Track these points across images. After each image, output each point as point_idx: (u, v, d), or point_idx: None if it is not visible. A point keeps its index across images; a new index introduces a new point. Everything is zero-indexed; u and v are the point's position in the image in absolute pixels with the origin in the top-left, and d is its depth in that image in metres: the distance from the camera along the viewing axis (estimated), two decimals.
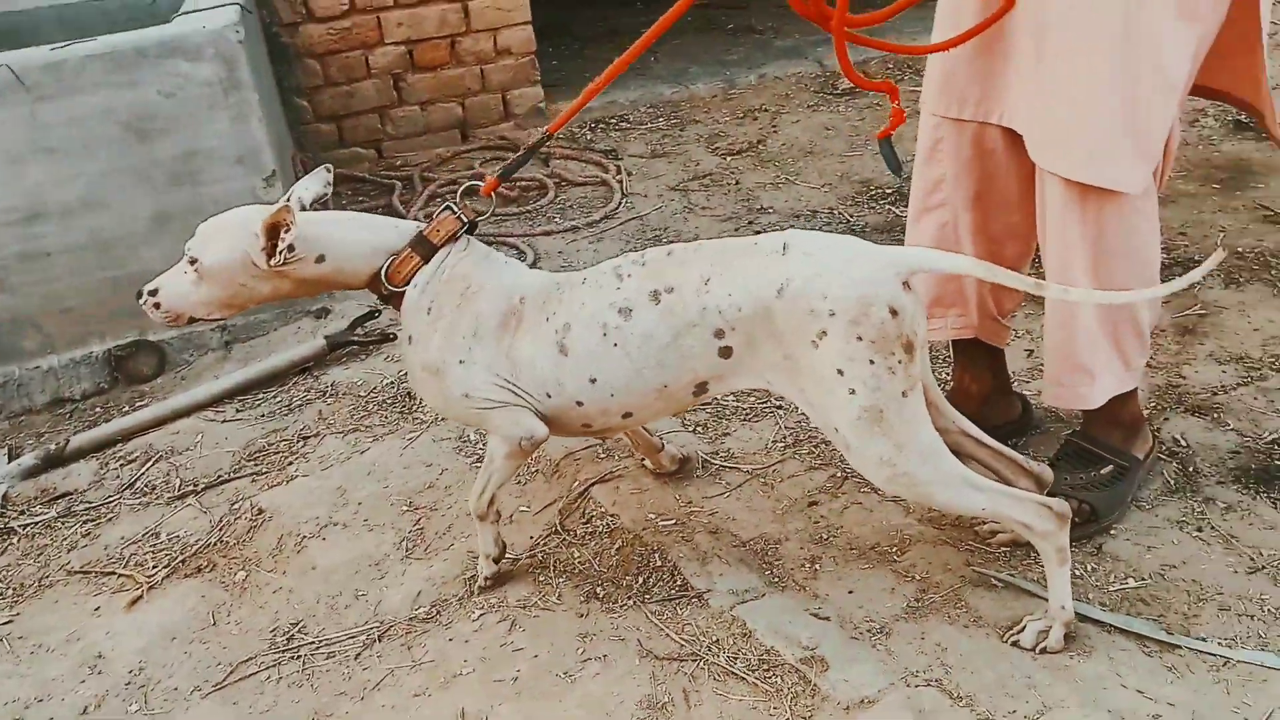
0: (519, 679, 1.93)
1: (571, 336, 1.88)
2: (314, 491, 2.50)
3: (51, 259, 2.96)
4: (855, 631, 1.92)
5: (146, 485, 2.62)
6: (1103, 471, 2.12)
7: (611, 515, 2.29)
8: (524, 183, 3.95)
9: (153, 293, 1.92)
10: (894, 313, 1.70)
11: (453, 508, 2.38)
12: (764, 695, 1.82)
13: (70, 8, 3.55)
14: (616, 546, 2.20)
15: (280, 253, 1.84)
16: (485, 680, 1.94)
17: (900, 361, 1.71)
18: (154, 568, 2.33)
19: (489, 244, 2.11)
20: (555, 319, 1.89)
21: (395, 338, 3.04)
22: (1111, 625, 1.88)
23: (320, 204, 2.02)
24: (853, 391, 1.71)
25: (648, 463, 2.38)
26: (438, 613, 2.10)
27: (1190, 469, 2.23)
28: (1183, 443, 2.31)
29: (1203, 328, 2.72)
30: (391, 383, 2.88)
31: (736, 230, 3.53)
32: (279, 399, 2.89)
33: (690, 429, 2.54)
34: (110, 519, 2.52)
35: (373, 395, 2.84)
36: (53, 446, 2.75)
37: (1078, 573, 1.97)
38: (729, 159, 4.10)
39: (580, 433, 2.03)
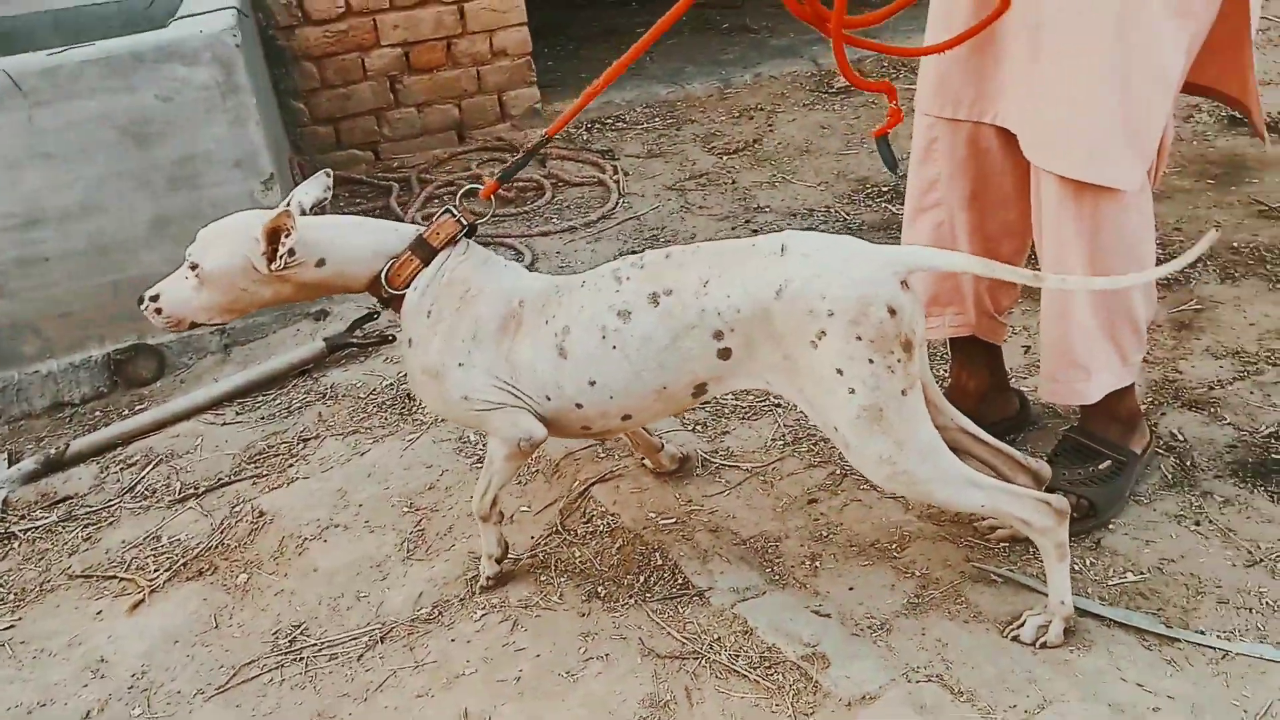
0: (521, 679, 1.93)
1: (571, 339, 1.88)
2: (315, 493, 2.50)
3: (50, 264, 2.96)
4: (856, 628, 1.93)
5: (147, 489, 2.62)
6: (1101, 467, 2.13)
7: (612, 514, 2.29)
8: (521, 183, 3.95)
9: (154, 298, 1.93)
10: (892, 312, 1.70)
11: (453, 508, 2.38)
12: (766, 692, 1.83)
13: (67, 13, 3.55)
14: (617, 546, 2.21)
15: (281, 257, 1.85)
16: (488, 680, 1.94)
17: (899, 360, 1.72)
18: (155, 571, 2.34)
19: (486, 245, 2.12)
20: (554, 322, 1.90)
21: (394, 339, 3.04)
22: (1111, 619, 1.88)
23: (319, 208, 2.03)
24: (852, 391, 1.72)
25: (647, 462, 2.39)
26: (440, 613, 2.11)
27: (1188, 463, 2.24)
28: (1180, 437, 2.31)
29: (1199, 323, 2.73)
30: (391, 384, 2.89)
31: (733, 229, 3.53)
32: (279, 401, 2.90)
33: (689, 428, 2.54)
34: (111, 523, 2.52)
35: (372, 397, 2.85)
36: (53, 451, 2.75)
37: (1077, 567, 1.97)
38: (725, 158, 4.10)
39: (580, 434, 2.04)
